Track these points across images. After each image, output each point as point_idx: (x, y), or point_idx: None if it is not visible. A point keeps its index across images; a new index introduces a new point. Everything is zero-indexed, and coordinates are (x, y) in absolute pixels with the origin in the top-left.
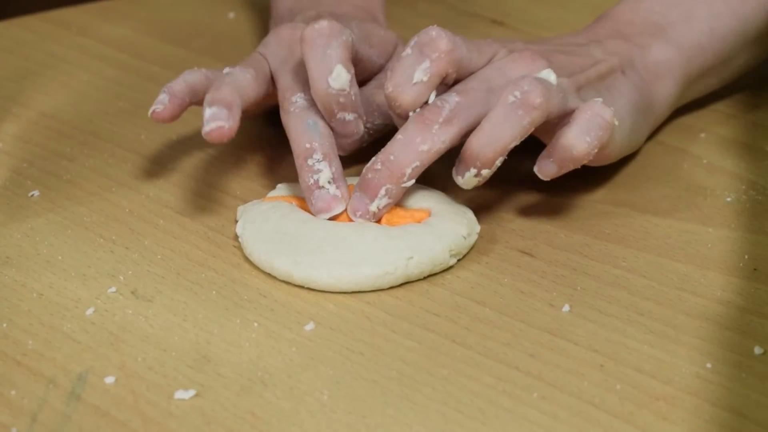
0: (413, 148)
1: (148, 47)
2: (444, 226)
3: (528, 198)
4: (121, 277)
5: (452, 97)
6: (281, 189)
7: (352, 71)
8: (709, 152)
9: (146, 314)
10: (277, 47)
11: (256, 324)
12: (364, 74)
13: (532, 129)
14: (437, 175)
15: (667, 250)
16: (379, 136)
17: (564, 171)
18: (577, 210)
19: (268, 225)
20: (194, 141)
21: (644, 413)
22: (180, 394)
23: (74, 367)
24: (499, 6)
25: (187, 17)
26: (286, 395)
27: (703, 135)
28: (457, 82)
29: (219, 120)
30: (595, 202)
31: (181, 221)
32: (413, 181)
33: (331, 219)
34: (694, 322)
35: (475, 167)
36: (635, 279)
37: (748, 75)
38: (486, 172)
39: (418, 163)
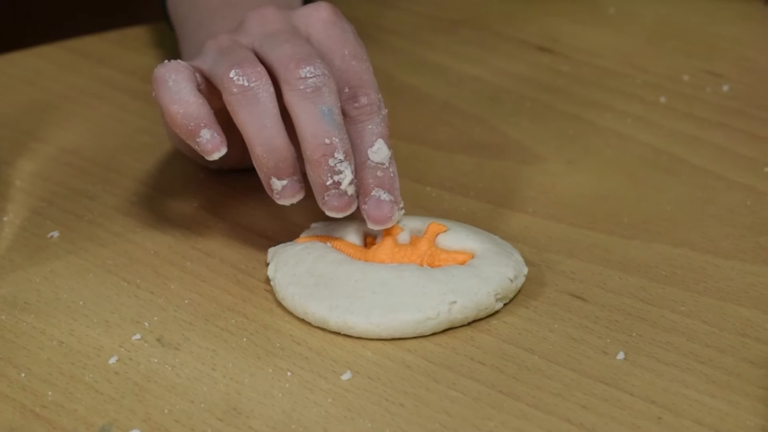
0: None
1: None
2: (489, 269)
3: (578, 238)
4: (146, 324)
5: None
6: (316, 229)
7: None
8: None
9: (173, 363)
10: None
11: (289, 373)
12: None
13: None
14: (482, 213)
15: (729, 293)
16: None
17: None
18: (632, 250)
19: (302, 267)
20: (222, 178)
21: None
22: None
23: (96, 420)
24: (547, 31)
25: None
26: None
27: (767, 169)
28: None
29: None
30: (650, 241)
31: (209, 263)
32: None
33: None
34: (758, 371)
35: None
36: (695, 324)
37: None
38: None
39: None
